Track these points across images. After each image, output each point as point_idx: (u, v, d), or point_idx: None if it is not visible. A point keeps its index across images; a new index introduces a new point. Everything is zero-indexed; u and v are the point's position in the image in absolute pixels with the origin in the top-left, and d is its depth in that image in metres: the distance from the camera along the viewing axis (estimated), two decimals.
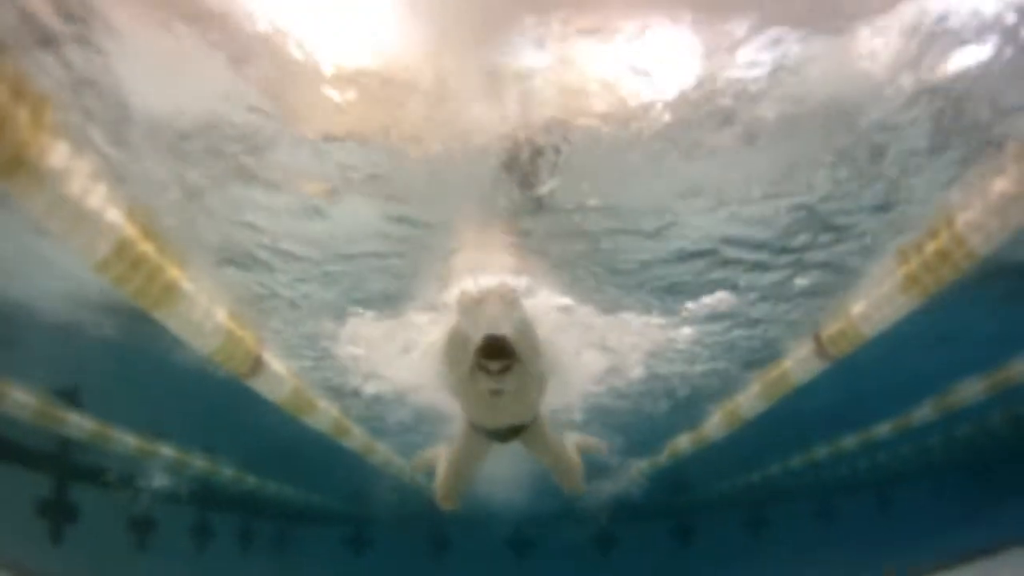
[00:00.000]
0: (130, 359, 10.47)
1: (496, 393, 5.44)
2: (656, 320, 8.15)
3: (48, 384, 11.23)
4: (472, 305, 5.17)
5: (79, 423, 11.98)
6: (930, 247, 5.37)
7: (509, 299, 5.20)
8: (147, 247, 4.65)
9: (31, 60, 4.38)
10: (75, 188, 4.06)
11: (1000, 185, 4.98)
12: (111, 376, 11.89)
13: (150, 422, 13.97)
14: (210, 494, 19.15)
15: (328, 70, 4.55)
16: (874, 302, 5.90)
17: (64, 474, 15.54)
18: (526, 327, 5.43)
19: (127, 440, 13.25)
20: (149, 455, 14.30)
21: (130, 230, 4.49)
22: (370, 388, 8.97)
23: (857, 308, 6.13)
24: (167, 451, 14.78)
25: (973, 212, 5.09)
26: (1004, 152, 5.22)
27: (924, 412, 13.19)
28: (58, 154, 4.00)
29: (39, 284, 7.96)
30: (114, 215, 4.39)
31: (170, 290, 4.89)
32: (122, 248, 4.44)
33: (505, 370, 5.24)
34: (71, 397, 12.25)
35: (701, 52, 4.58)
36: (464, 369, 5.44)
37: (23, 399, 10.54)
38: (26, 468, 14.71)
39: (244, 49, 4.42)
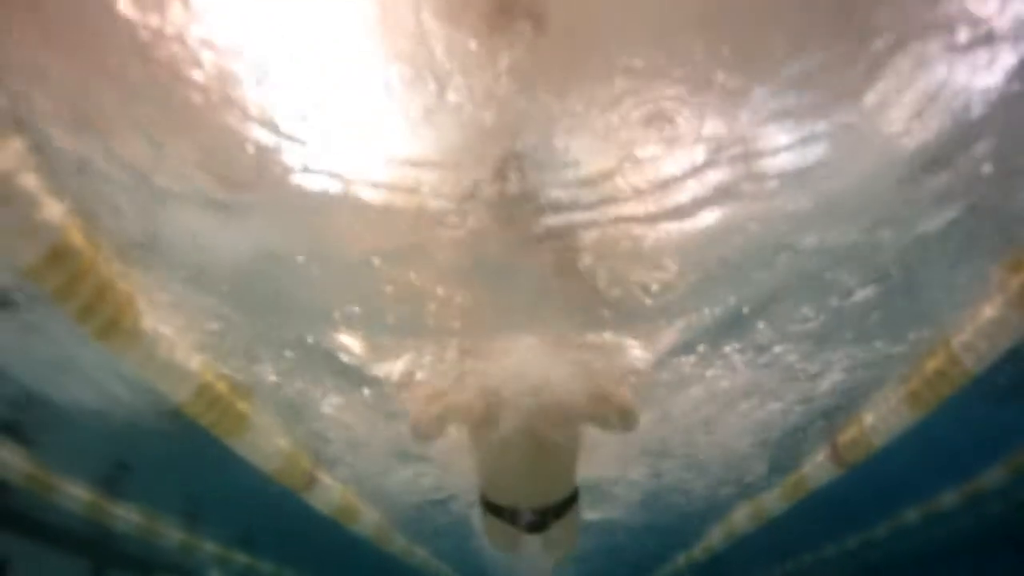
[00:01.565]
0: (172, 448, 10.79)
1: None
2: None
3: (90, 470, 11.60)
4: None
5: (125, 516, 12.39)
6: (929, 365, 5.83)
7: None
8: (222, 387, 5.27)
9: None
10: (163, 347, 4.69)
11: (988, 310, 5.47)
12: (153, 463, 12.18)
13: (190, 509, 14.33)
14: None
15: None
16: (882, 415, 6.33)
17: (102, 560, 15.83)
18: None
19: (171, 533, 13.68)
20: (190, 547, 14.66)
21: (208, 375, 5.12)
22: None
23: (868, 419, 6.56)
24: (209, 545, 15.15)
25: (965, 334, 5.56)
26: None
27: (952, 498, 13.33)
28: (151, 317, 4.66)
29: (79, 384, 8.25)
30: (195, 363, 5.03)
31: (240, 421, 5.48)
32: (202, 391, 5.06)
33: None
34: (112, 483, 12.58)
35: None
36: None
37: (73, 492, 11.03)
38: (63, 553, 14.93)
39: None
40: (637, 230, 4.67)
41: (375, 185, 4.19)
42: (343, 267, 4.94)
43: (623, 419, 5.48)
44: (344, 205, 4.30)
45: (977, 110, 3.93)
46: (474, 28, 3.13)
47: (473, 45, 3.19)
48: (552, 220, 4.55)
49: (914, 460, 10.37)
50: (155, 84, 3.53)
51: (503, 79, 3.35)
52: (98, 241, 4.34)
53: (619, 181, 4.24)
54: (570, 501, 5.90)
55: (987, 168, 4.43)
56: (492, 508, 5.83)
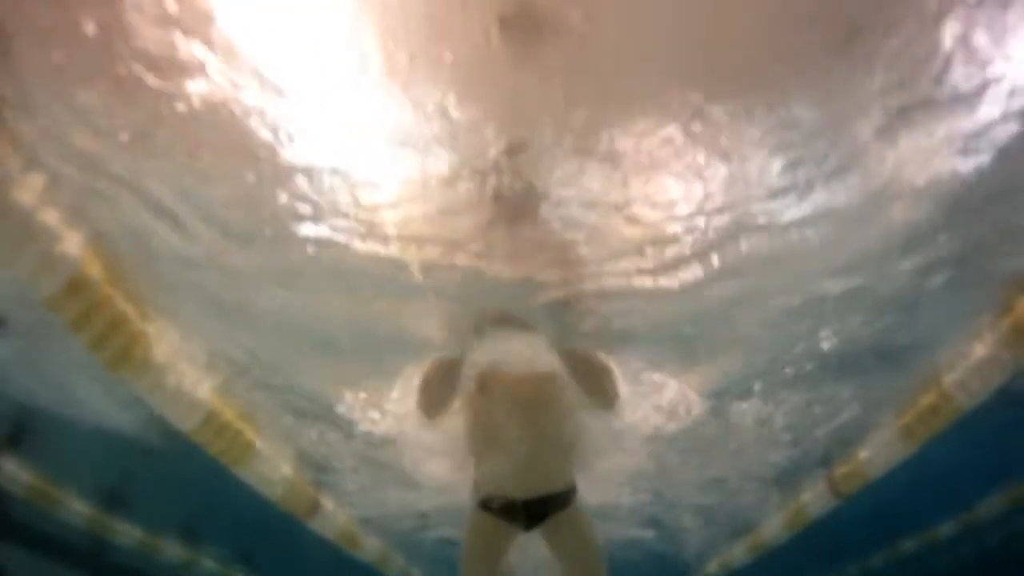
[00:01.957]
0: (174, 464, 10.81)
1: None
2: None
3: (92, 483, 11.65)
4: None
5: (125, 530, 12.45)
6: (922, 402, 5.95)
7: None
8: (229, 416, 5.38)
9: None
10: (173, 378, 4.81)
11: (979, 350, 5.59)
12: (155, 478, 12.19)
13: (190, 525, 14.37)
14: None
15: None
16: (876, 448, 6.44)
17: (99, 571, 15.80)
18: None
19: (170, 549, 13.76)
20: (190, 563, 14.70)
21: (217, 403, 5.23)
22: None
23: (863, 453, 6.67)
24: (208, 562, 15.21)
25: (957, 373, 5.68)
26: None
27: (948, 528, 13.38)
28: (162, 348, 4.78)
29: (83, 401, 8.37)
30: (204, 392, 5.14)
31: (247, 450, 5.59)
32: (210, 419, 5.17)
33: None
34: (114, 497, 12.60)
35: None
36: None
37: (74, 505, 11.12)
38: (62, 565, 14.93)
39: None
40: (640, 301, 4.95)
41: (372, 256, 4.46)
42: (346, 316, 5.21)
43: (607, 389, 5.63)
44: (347, 267, 4.58)
45: (969, 181, 4.13)
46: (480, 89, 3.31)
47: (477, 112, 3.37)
48: (550, 294, 4.84)
49: (912, 491, 10.42)
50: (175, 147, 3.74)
51: (503, 151, 3.57)
52: (115, 273, 4.47)
53: (619, 261, 4.56)
54: (568, 496, 5.66)
55: (978, 230, 4.69)
56: (487, 506, 5.57)
